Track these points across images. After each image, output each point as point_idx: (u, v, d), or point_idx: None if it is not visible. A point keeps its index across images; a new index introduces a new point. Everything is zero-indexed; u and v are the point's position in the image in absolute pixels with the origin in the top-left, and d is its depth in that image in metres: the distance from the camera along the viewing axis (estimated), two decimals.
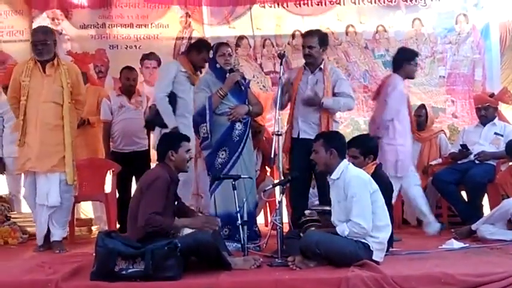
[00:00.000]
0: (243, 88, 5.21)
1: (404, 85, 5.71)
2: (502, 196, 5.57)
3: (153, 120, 5.62)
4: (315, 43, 5.27)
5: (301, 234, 4.34)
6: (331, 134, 4.55)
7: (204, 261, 4.04)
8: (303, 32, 7.04)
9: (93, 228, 6.46)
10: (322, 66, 5.33)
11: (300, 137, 5.24)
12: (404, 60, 5.64)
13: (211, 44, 5.57)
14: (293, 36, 7.54)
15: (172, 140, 4.50)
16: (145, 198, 4.19)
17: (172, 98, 5.46)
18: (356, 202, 4.03)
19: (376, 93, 5.95)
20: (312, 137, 5.08)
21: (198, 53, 5.61)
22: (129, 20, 7.67)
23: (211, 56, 5.31)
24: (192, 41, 6.97)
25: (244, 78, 5.41)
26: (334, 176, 4.19)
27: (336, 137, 4.43)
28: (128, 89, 6.49)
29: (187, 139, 4.52)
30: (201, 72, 5.69)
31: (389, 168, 5.31)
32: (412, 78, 5.93)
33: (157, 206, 4.11)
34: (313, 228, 4.32)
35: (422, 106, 6.54)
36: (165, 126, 5.40)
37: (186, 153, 4.44)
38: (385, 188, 4.42)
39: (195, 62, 5.63)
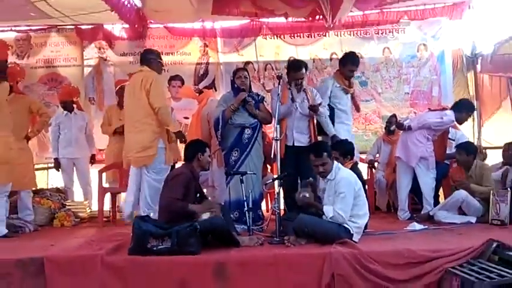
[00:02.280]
0: (253, 102, 5.19)
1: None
2: (451, 187, 5.57)
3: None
4: (304, 74, 5.31)
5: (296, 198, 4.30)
6: (326, 145, 4.50)
7: (218, 240, 4.04)
8: (296, 58, 7.14)
9: None
10: (304, 87, 5.31)
11: (294, 144, 5.20)
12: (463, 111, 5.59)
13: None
14: (288, 61, 7.52)
15: (200, 145, 4.52)
16: (168, 188, 4.25)
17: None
18: (342, 198, 4.06)
19: None
20: (304, 145, 5.10)
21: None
22: (160, 49, 7.48)
23: (231, 78, 5.37)
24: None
25: (258, 95, 5.46)
26: (330, 176, 4.20)
27: (326, 144, 4.45)
28: None
29: (208, 146, 4.62)
30: None
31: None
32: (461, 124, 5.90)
33: (176, 194, 4.14)
34: (307, 195, 4.24)
35: (394, 115, 6.50)
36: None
37: (208, 157, 4.52)
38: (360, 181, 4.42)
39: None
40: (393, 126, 6.09)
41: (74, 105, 6.70)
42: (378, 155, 6.75)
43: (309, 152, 4.33)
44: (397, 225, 5.05)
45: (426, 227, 4.85)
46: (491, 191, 5.06)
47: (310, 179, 4.46)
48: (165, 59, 7.54)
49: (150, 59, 5.22)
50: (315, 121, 5.35)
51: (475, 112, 7.37)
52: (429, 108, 6.12)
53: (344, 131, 5.47)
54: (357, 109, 5.93)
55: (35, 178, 5.90)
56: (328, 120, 5.37)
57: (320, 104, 5.19)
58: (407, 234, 4.57)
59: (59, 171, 6.68)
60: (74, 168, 6.65)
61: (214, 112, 5.36)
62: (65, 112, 6.61)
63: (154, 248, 3.80)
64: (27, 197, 5.66)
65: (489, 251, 3.72)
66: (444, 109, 5.84)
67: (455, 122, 5.65)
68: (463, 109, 5.57)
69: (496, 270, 3.41)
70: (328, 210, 4.06)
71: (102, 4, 5.80)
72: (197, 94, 6.73)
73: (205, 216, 4.18)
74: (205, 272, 3.67)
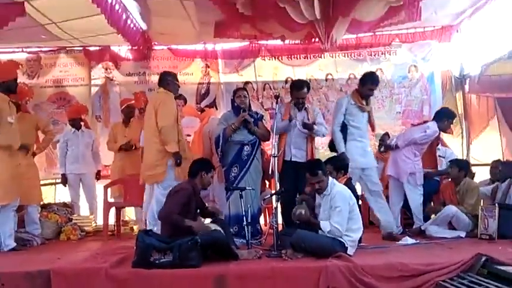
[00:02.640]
0: (252, 121, 5.20)
1: None
2: (440, 201, 5.57)
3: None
4: (306, 93, 5.37)
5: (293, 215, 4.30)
6: (321, 163, 4.46)
7: (217, 253, 4.04)
8: (293, 78, 7.18)
9: (135, 227, 6.41)
10: (306, 106, 5.37)
11: (292, 160, 5.21)
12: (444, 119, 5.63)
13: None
14: (286, 81, 7.56)
15: (206, 165, 4.52)
16: (168, 202, 4.28)
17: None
18: (338, 212, 4.07)
19: None
20: (300, 160, 5.11)
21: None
22: (163, 69, 7.66)
23: (231, 97, 5.41)
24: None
25: (257, 113, 5.49)
26: (326, 192, 4.21)
27: (321, 162, 4.46)
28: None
29: (214, 168, 4.63)
30: None
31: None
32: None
33: (175, 208, 4.15)
34: (303, 211, 4.24)
35: (386, 134, 6.50)
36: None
37: (211, 177, 4.53)
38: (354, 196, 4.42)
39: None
40: (382, 148, 6.04)
41: (82, 123, 6.73)
42: None
43: (305, 169, 4.35)
44: (390, 240, 5.03)
45: (418, 241, 4.85)
46: (480, 206, 5.06)
47: (304, 195, 4.47)
48: None
49: (167, 80, 5.25)
50: (314, 141, 5.39)
51: (464, 131, 7.45)
52: (412, 124, 6.15)
53: (356, 148, 5.28)
54: (372, 128, 5.63)
55: (41, 193, 5.91)
56: (337, 138, 5.31)
57: (314, 123, 5.22)
58: (399, 248, 4.57)
59: (66, 186, 6.68)
60: (81, 183, 6.65)
61: (215, 130, 5.38)
62: (73, 129, 6.64)
63: (157, 261, 3.80)
64: (35, 211, 5.66)
65: (478, 264, 3.72)
66: (426, 122, 5.87)
67: (440, 131, 5.66)
68: (444, 117, 5.61)
69: (484, 284, 3.41)
70: (325, 225, 4.07)
71: (109, 27, 5.86)
72: (199, 112, 6.77)
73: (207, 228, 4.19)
74: (205, 284, 3.66)
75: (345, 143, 5.27)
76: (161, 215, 4.25)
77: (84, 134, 6.70)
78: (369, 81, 5.34)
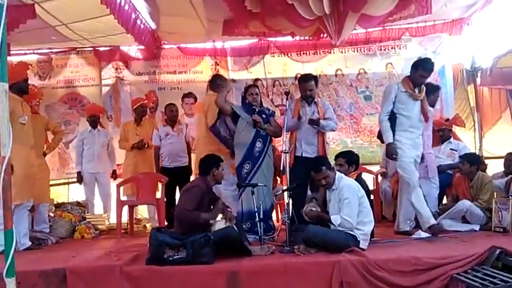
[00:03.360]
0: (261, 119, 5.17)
1: None
2: (452, 195, 5.52)
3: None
4: (313, 85, 5.29)
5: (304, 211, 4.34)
6: (324, 159, 4.53)
7: (230, 249, 4.04)
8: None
9: (147, 225, 6.45)
10: (315, 100, 5.33)
11: (303, 155, 5.19)
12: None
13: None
14: (295, 78, 7.54)
15: (214, 160, 4.52)
16: (182, 199, 4.32)
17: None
18: (347, 204, 4.06)
19: None
20: (311, 156, 5.10)
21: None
22: (173, 68, 7.75)
23: (242, 94, 5.42)
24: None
25: (269, 109, 5.47)
26: (334, 186, 4.21)
27: (326, 159, 4.51)
28: (172, 119, 6.49)
29: (222, 160, 4.61)
30: None
31: None
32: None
33: (189, 205, 4.17)
34: (314, 209, 4.30)
35: None
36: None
37: (222, 171, 4.53)
38: (365, 191, 4.41)
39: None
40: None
41: (99, 122, 6.85)
42: None
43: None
44: (402, 234, 5.01)
45: (431, 235, 4.81)
46: (494, 199, 5.02)
47: (314, 193, 4.47)
48: (178, 77, 7.73)
49: (218, 84, 5.51)
50: (325, 135, 5.33)
51: (476, 124, 7.38)
52: None
53: (406, 139, 4.90)
54: (425, 118, 5.08)
55: (49, 193, 5.98)
56: (384, 127, 4.94)
57: (324, 118, 5.20)
58: (413, 242, 4.54)
59: (81, 184, 6.75)
60: (96, 182, 6.71)
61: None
62: (90, 128, 6.75)
63: (170, 258, 3.82)
64: (45, 210, 5.73)
65: (492, 257, 3.69)
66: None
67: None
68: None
69: (499, 276, 3.38)
70: (336, 219, 4.07)
71: (119, 27, 5.89)
72: None
73: (220, 225, 4.19)
74: (218, 280, 3.67)
75: (394, 134, 4.90)
76: (176, 213, 4.27)
77: (100, 133, 6.80)
78: (420, 67, 4.89)
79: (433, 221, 4.78)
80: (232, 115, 5.21)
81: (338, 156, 4.94)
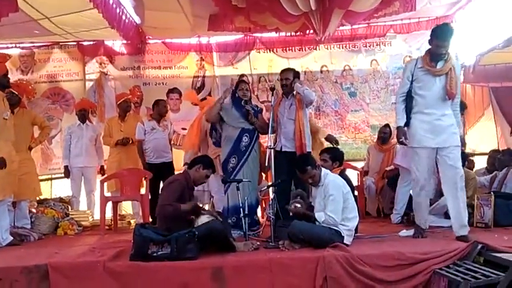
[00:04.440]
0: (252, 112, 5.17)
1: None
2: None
3: None
4: (290, 76, 5.23)
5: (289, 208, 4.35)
6: (307, 157, 4.54)
7: (215, 244, 4.04)
8: None
9: (132, 221, 6.40)
10: (294, 92, 5.20)
11: (282, 150, 5.15)
12: None
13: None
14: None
15: (206, 162, 4.50)
16: (162, 194, 4.28)
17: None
18: (332, 201, 4.07)
19: None
20: (290, 150, 5.07)
21: None
22: (158, 64, 7.70)
23: (233, 89, 5.41)
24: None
25: (257, 106, 5.46)
26: (320, 183, 4.22)
27: (310, 157, 4.50)
28: (162, 115, 6.43)
29: (214, 170, 4.59)
30: None
31: None
32: None
33: (169, 200, 4.13)
34: (299, 205, 4.32)
35: (387, 125, 6.46)
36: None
37: (205, 178, 4.48)
38: (349, 186, 4.43)
39: None
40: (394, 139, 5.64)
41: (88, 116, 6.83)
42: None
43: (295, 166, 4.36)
44: (386, 229, 5.06)
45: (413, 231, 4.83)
46: (475, 195, 5.08)
47: (299, 190, 4.49)
48: (163, 72, 7.67)
49: None
50: (303, 126, 5.08)
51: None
52: None
53: (421, 123, 4.29)
54: (448, 95, 4.25)
55: (39, 187, 5.91)
56: (396, 109, 4.48)
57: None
58: (396, 237, 4.57)
59: (68, 178, 6.68)
60: (82, 177, 6.66)
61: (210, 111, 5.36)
62: (78, 122, 6.69)
63: (155, 254, 3.80)
64: (26, 206, 5.65)
65: (474, 252, 3.74)
66: None
67: None
68: None
69: (481, 271, 3.42)
70: (320, 216, 4.08)
71: (103, 21, 5.82)
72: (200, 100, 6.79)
73: (203, 220, 4.18)
74: (203, 276, 3.66)
75: (410, 118, 4.37)
76: (157, 209, 4.24)
77: (88, 127, 6.75)
78: (433, 36, 4.25)
79: (424, 226, 4.50)
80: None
81: (322, 152, 5.00)
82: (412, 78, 4.34)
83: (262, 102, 7.51)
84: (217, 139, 5.40)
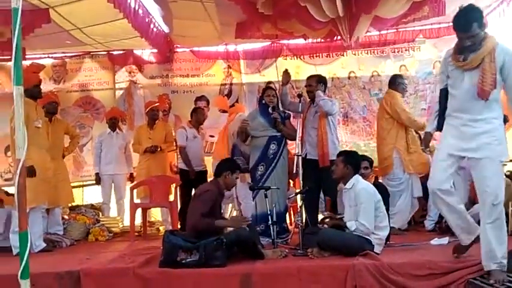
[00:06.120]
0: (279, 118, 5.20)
1: None
2: (469, 198, 5.38)
3: None
4: (313, 83, 5.27)
5: (320, 226, 4.32)
6: (351, 153, 4.48)
7: (243, 252, 4.03)
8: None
9: (161, 228, 6.45)
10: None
11: (307, 157, 5.15)
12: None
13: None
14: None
15: (231, 165, 4.49)
16: (195, 204, 4.22)
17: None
18: (364, 208, 4.01)
19: None
20: (314, 158, 5.05)
21: None
22: (186, 72, 7.77)
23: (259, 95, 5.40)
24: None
25: (284, 112, 5.42)
26: (347, 186, 4.18)
27: (354, 156, 4.40)
28: (200, 122, 6.50)
29: (241, 170, 4.57)
30: None
31: None
32: None
33: (203, 210, 4.09)
34: (327, 220, 4.31)
35: (365, 159, 6.36)
36: None
37: (236, 179, 4.47)
38: (385, 194, 4.37)
39: None
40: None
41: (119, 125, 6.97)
42: None
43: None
44: (418, 238, 4.94)
45: (447, 240, 4.72)
46: (510, 203, 4.93)
47: (326, 220, 4.47)
48: (191, 80, 7.75)
49: (397, 83, 5.78)
50: (325, 135, 5.06)
51: None
52: None
53: (448, 127, 3.58)
54: (479, 93, 3.36)
55: (72, 194, 6.06)
56: (434, 110, 3.85)
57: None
58: (428, 246, 4.48)
59: (99, 185, 6.79)
60: (112, 184, 6.76)
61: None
62: (108, 131, 6.82)
63: (183, 261, 3.82)
64: (59, 213, 5.78)
65: (510, 261, 3.61)
66: None
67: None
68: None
69: None
70: (351, 225, 4.03)
71: (132, 31, 5.92)
72: (229, 107, 6.81)
73: (230, 229, 4.19)
74: (232, 283, 3.66)
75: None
76: (189, 223, 4.15)
77: (118, 135, 6.87)
78: (453, 25, 3.51)
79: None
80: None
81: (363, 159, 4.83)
82: (448, 73, 3.60)
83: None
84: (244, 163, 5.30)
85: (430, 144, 4.01)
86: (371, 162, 4.94)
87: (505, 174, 5.36)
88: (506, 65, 3.34)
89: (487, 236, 3.39)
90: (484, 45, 3.38)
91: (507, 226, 4.71)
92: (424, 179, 5.69)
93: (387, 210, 4.31)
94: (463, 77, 3.46)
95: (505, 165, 4.88)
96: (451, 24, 3.51)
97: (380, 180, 5.56)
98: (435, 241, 4.58)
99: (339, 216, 4.30)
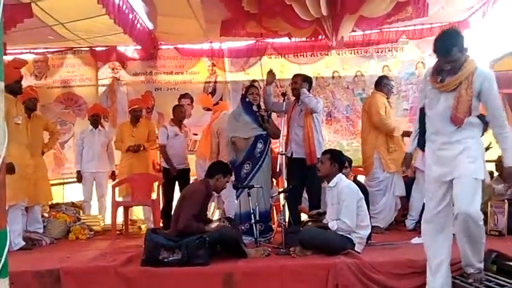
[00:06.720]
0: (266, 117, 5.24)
1: None
2: None
3: None
4: (298, 80, 5.32)
5: (301, 229, 4.35)
6: (337, 152, 4.53)
7: (226, 250, 4.04)
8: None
9: (143, 226, 6.42)
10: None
11: (293, 156, 5.17)
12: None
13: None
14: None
15: (224, 169, 4.49)
16: (186, 205, 4.18)
17: None
18: (345, 206, 4.06)
19: None
20: (301, 156, 5.08)
21: None
22: (170, 69, 7.72)
23: (243, 93, 5.45)
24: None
25: (267, 111, 5.43)
26: (331, 184, 4.22)
27: (339, 155, 4.45)
28: (181, 120, 6.47)
29: (231, 174, 4.61)
30: None
31: None
32: None
33: (195, 212, 4.10)
34: (310, 223, 4.33)
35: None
36: None
37: (226, 183, 4.48)
38: (363, 193, 4.41)
39: None
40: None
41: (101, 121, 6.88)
42: None
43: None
44: (399, 237, 5.00)
45: None
46: (489, 203, 5.01)
47: (321, 211, 4.50)
48: (175, 78, 7.70)
49: (383, 84, 5.84)
50: (312, 133, 5.11)
51: None
52: None
53: (428, 151, 3.51)
54: (452, 119, 3.28)
55: (51, 192, 5.97)
56: (414, 129, 3.78)
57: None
58: (409, 245, 4.53)
59: (81, 182, 6.72)
60: (94, 182, 6.70)
61: (224, 129, 5.44)
62: (90, 128, 6.74)
63: (166, 260, 3.82)
64: (39, 211, 5.70)
65: (488, 260, 3.68)
66: None
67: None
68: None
69: (494, 280, 3.38)
70: (333, 225, 4.06)
71: (116, 27, 5.86)
72: (213, 105, 6.80)
73: (214, 224, 4.19)
74: (214, 282, 3.67)
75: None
76: (182, 226, 4.07)
77: (100, 132, 6.80)
78: (433, 48, 3.40)
79: None
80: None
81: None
82: (426, 93, 3.51)
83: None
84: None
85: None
86: (350, 161, 5.01)
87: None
88: (484, 92, 3.25)
89: (464, 249, 3.40)
90: (462, 69, 3.28)
91: (485, 226, 4.84)
92: (407, 179, 5.79)
93: (368, 209, 4.35)
94: (439, 98, 3.35)
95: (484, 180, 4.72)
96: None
97: (359, 179, 5.63)
98: (416, 240, 4.63)
99: (324, 221, 4.32)
